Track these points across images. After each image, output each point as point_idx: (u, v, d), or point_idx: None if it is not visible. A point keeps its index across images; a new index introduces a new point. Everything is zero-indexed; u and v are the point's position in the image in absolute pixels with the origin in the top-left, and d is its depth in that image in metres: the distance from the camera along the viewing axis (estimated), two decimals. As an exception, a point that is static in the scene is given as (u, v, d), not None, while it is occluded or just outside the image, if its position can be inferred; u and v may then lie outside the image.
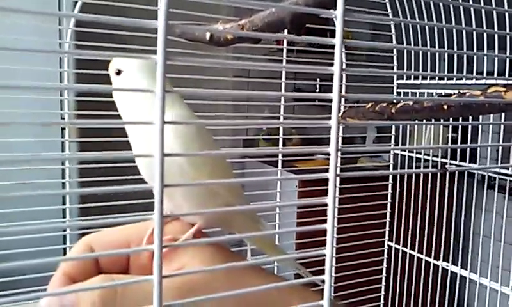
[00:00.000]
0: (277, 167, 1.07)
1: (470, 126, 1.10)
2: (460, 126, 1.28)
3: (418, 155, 1.03)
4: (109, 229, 0.42)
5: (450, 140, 1.80)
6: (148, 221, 0.43)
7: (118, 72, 0.44)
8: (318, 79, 2.06)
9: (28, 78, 0.91)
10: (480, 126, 1.15)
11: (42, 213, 0.84)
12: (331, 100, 0.33)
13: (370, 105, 0.67)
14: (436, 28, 0.90)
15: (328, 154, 0.34)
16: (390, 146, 1.04)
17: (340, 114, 0.76)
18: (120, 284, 0.34)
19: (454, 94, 0.53)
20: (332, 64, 0.31)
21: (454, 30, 0.88)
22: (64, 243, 0.90)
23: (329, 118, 0.33)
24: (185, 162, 0.41)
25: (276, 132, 1.58)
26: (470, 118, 0.71)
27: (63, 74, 1.05)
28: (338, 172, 0.34)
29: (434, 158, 1.03)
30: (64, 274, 0.38)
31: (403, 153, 1.07)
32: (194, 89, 0.41)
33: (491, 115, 1.05)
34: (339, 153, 0.35)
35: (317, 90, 2.09)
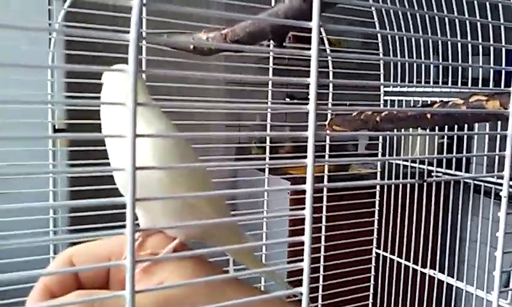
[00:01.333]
0: (270, 174, 1.07)
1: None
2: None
3: (406, 163, 1.03)
4: (91, 243, 0.42)
5: (445, 146, 1.80)
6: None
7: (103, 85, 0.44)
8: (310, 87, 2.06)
9: (15, 86, 0.91)
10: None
11: (30, 222, 0.83)
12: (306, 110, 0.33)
13: (355, 113, 0.67)
14: (421, 33, 0.90)
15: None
16: (382, 153, 1.04)
17: (327, 122, 0.76)
18: (94, 300, 0.33)
19: (437, 103, 0.54)
20: (325, 74, 0.31)
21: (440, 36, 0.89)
22: (50, 253, 0.90)
23: (324, 126, 0.33)
24: (164, 175, 0.40)
25: (270, 139, 1.59)
26: (456, 126, 0.71)
27: (53, 83, 1.05)
28: (319, 182, 0.34)
29: (422, 166, 1.03)
30: (44, 287, 0.38)
31: (392, 160, 1.08)
32: (180, 101, 0.41)
33: (487, 123, 1.06)
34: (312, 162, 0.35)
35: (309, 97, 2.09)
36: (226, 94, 1.65)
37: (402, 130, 0.82)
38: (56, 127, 1.20)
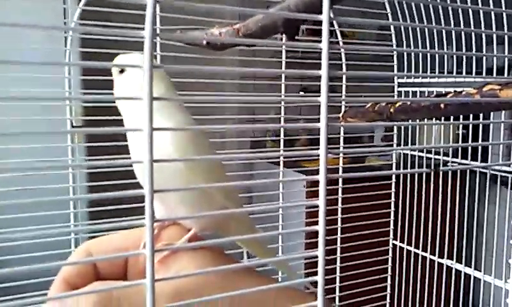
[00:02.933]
0: (285, 167, 1.07)
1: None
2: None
3: (421, 153, 1.02)
4: (108, 236, 0.43)
5: (460, 137, 1.78)
6: (145, 227, 0.44)
7: (121, 71, 0.45)
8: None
9: (33, 84, 0.92)
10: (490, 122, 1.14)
11: (49, 217, 0.85)
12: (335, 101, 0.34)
13: (369, 105, 0.67)
14: (435, 24, 0.90)
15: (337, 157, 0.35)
16: (398, 144, 1.04)
17: (341, 115, 0.76)
18: (114, 288, 0.35)
19: (451, 93, 0.54)
20: (338, 66, 0.32)
21: (453, 26, 0.88)
22: (71, 247, 0.91)
23: (337, 119, 0.33)
24: (183, 166, 0.41)
25: (284, 133, 1.59)
26: (471, 116, 0.70)
27: (70, 80, 1.06)
28: (331, 173, 0.34)
29: (437, 156, 1.03)
30: (64, 280, 0.39)
31: (407, 151, 1.07)
32: (195, 95, 0.42)
33: (503, 112, 1.04)
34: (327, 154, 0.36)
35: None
36: (239, 89, 1.66)
37: (417, 121, 0.82)
38: (74, 124, 1.22)
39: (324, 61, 0.34)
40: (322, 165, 0.36)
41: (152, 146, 0.30)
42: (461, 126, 1.80)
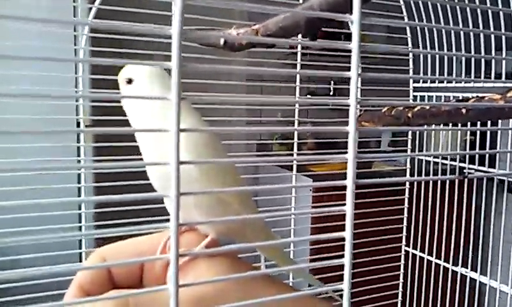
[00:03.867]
0: (292, 170, 1.06)
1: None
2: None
3: (436, 159, 1.01)
4: (122, 242, 0.42)
5: (468, 143, 1.77)
6: (161, 232, 0.43)
7: (129, 81, 0.44)
8: (332, 82, 2.04)
9: (43, 83, 0.92)
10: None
11: (59, 218, 0.84)
12: (347, 104, 0.32)
13: (386, 109, 0.66)
14: (452, 34, 0.88)
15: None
16: (406, 150, 1.03)
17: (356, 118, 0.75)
18: (136, 294, 0.33)
19: (473, 98, 0.52)
20: (347, 68, 0.31)
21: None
22: (80, 248, 0.91)
23: (346, 123, 0.32)
24: (197, 171, 0.40)
25: (290, 135, 1.58)
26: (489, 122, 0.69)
27: (78, 79, 1.06)
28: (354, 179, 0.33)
29: (452, 163, 1.01)
30: (79, 286, 0.38)
31: (420, 157, 1.06)
32: (211, 95, 0.41)
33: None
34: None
35: (331, 93, 2.08)
36: (246, 91, 1.65)
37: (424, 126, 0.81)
38: (83, 124, 1.21)
39: (354, 62, 0.33)
40: (350, 170, 0.35)
41: (179, 148, 0.29)
42: (468, 132, 1.79)
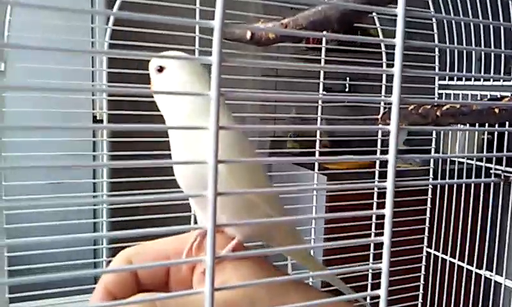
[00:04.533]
0: (306, 168, 1.05)
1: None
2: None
3: (452, 158, 0.99)
4: (148, 243, 0.41)
5: (486, 142, 1.74)
6: (187, 233, 0.42)
7: (160, 69, 0.42)
8: (348, 79, 2.02)
9: (60, 76, 0.91)
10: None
11: (75, 213, 0.84)
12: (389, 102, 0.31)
13: (412, 107, 0.65)
14: (481, 26, 0.86)
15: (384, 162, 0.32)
16: (423, 149, 1.01)
17: (380, 116, 0.74)
18: (155, 299, 0.33)
19: (507, 97, 0.51)
20: (367, 64, 0.29)
21: (502, 29, 0.84)
22: (97, 244, 0.90)
23: (363, 121, 0.31)
24: (225, 171, 0.39)
25: (305, 132, 1.56)
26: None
27: (95, 72, 1.05)
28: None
29: (469, 161, 0.99)
30: (105, 289, 0.38)
31: (453, 158, 1.03)
32: (247, 91, 0.39)
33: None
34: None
35: (347, 90, 2.05)
36: (262, 86, 1.64)
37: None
38: (97, 118, 1.21)
39: (398, 58, 0.32)
40: (390, 171, 0.34)
41: (218, 146, 0.28)
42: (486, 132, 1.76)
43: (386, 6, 0.38)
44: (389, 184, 0.34)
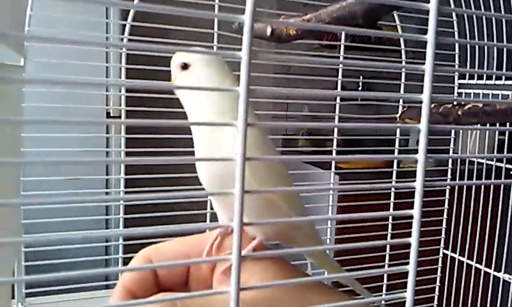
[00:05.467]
0: (318, 166, 1.04)
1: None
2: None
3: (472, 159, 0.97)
4: (167, 242, 0.41)
5: (496, 142, 1.72)
6: (207, 232, 0.41)
7: (185, 66, 0.42)
8: (361, 77, 2.00)
9: (76, 72, 0.91)
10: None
11: (89, 209, 0.83)
12: (375, 100, 0.30)
13: (433, 106, 0.64)
14: (504, 22, 0.84)
15: (414, 161, 0.31)
16: (451, 150, 0.99)
17: (398, 115, 0.73)
18: (175, 299, 0.32)
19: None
20: (386, 62, 0.28)
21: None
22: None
23: (376, 119, 0.30)
24: (247, 170, 0.38)
25: (317, 131, 1.55)
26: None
27: (109, 68, 1.05)
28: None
29: (488, 162, 0.97)
30: (124, 287, 0.37)
31: (480, 159, 1.01)
32: (275, 89, 0.38)
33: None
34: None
35: (360, 88, 2.03)
36: (274, 83, 1.63)
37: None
38: (111, 114, 1.21)
39: (430, 55, 0.31)
40: (419, 172, 0.33)
41: (246, 143, 0.27)
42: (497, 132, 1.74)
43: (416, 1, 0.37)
44: (418, 184, 0.33)
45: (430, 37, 0.31)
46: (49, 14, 0.75)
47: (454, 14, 0.83)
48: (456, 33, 0.84)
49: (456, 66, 0.86)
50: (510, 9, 0.84)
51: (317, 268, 0.50)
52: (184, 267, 0.40)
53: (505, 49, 0.93)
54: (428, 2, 0.30)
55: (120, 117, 1.10)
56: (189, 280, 0.40)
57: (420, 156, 0.33)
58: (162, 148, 0.77)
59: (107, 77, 1.02)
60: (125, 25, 0.76)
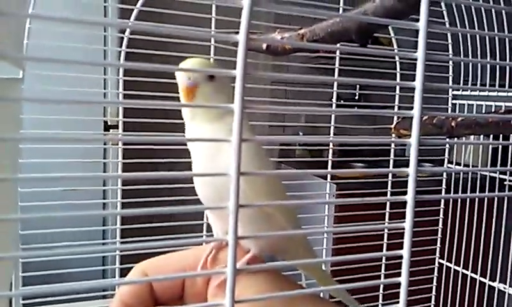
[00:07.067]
0: (315, 176, 1.04)
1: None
2: (501, 138, 1.21)
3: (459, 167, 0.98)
4: (164, 256, 0.41)
5: (490, 152, 1.73)
6: (204, 246, 0.41)
7: (211, 77, 0.42)
8: (357, 87, 2.01)
9: (74, 83, 0.91)
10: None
11: (86, 218, 0.84)
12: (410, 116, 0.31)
13: (426, 117, 0.65)
14: (497, 39, 0.86)
15: (405, 176, 0.32)
16: (446, 161, 0.99)
17: (393, 126, 0.73)
18: None
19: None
20: (377, 74, 0.29)
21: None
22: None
23: (376, 131, 0.31)
24: (243, 182, 0.39)
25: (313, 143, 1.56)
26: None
27: (107, 79, 1.05)
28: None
29: (483, 172, 0.98)
30: (121, 300, 0.38)
31: (484, 172, 1.02)
32: (270, 106, 0.39)
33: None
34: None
35: (356, 98, 2.05)
36: (271, 95, 1.64)
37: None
38: (108, 123, 1.21)
39: (420, 71, 0.32)
40: (411, 185, 0.34)
41: (240, 158, 0.28)
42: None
43: (404, 18, 0.38)
44: (409, 198, 0.34)
45: (420, 54, 0.31)
46: (47, 27, 0.76)
47: (449, 34, 0.84)
48: (450, 46, 0.85)
49: (450, 78, 0.87)
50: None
51: (311, 278, 0.50)
52: (179, 280, 0.40)
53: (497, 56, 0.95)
54: (418, 21, 0.31)
55: (117, 127, 1.11)
56: (185, 293, 0.40)
57: (411, 170, 0.33)
58: (157, 159, 0.78)
59: (105, 87, 1.03)
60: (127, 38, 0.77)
